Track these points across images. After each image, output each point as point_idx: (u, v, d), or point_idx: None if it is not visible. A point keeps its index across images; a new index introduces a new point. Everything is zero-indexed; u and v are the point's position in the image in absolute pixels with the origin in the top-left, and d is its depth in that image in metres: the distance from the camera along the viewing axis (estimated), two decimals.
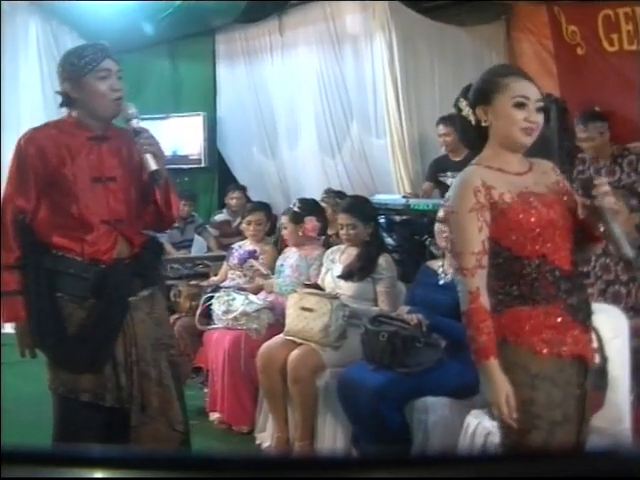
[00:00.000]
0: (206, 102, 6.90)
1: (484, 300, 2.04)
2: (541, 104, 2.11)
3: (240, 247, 4.59)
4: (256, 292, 4.22)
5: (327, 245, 4.37)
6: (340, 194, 5.09)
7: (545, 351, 2.04)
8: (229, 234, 5.72)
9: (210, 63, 6.86)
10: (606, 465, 0.71)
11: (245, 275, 4.42)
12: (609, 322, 2.94)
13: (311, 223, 4.19)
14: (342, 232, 3.85)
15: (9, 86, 6.58)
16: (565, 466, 0.71)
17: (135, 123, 2.48)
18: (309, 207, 4.31)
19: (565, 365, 2.06)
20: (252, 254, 4.45)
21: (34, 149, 2.46)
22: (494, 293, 2.09)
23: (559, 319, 2.07)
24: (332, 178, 5.89)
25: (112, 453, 0.77)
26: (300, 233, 4.17)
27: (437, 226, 3.39)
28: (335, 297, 3.65)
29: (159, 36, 6.24)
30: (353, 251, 3.79)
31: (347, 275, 3.74)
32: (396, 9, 5.32)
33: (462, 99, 2.20)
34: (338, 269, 3.80)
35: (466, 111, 2.18)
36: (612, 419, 2.79)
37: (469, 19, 5.57)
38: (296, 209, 4.21)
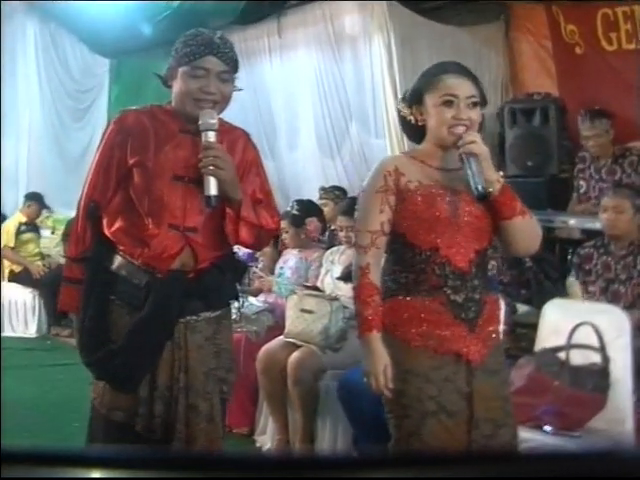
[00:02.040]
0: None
1: (374, 277, 2.14)
2: (474, 100, 2.16)
3: (239, 249, 4.58)
4: (256, 294, 4.21)
5: (332, 239, 4.37)
6: (337, 188, 5.12)
7: (418, 344, 2.11)
8: None
9: None
10: (606, 465, 0.70)
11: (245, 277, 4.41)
12: (611, 322, 2.94)
13: (313, 224, 4.20)
14: (341, 234, 3.84)
15: (7, 87, 6.58)
16: (565, 466, 0.71)
17: (210, 136, 2.15)
18: (308, 208, 4.30)
19: (443, 362, 2.11)
20: (252, 257, 4.44)
21: (120, 134, 2.21)
22: (383, 280, 2.18)
23: (438, 315, 2.11)
24: (331, 179, 5.87)
25: (112, 453, 0.77)
26: (302, 235, 4.17)
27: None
28: (335, 299, 3.64)
29: (157, 38, 6.23)
30: (352, 252, 3.78)
31: (346, 276, 3.73)
32: (394, 10, 5.30)
33: (401, 101, 2.28)
34: (337, 270, 3.79)
35: (405, 112, 2.25)
36: (614, 420, 2.78)
37: (468, 19, 5.56)
38: (295, 212, 4.20)
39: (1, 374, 3.95)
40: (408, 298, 2.14)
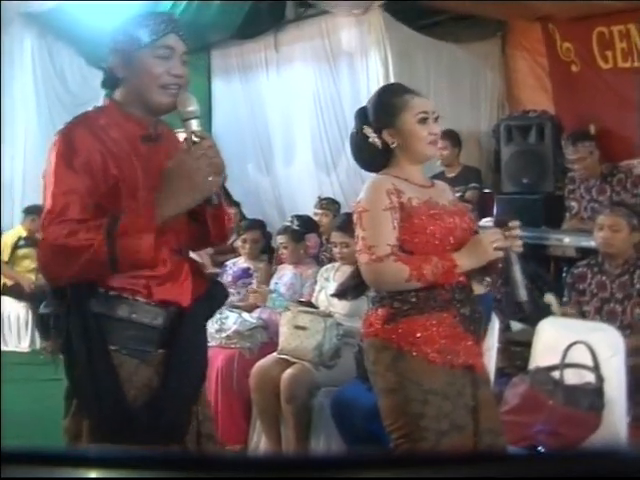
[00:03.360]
0: (201, 118, 6.89)
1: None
2: (437, 115, 2.24)
3: (234, 264, 4.57)
4: (250, 310, 4.19)
5: (327, 250, 4.39)
6: (333, 201, 5.14)
7: (438, 361, 2.10)
8: (223, 251, 5.69)
9: (205, 78, 6.87)
10: (605, 465, 0.70)
11: (239, 293, 4.39)
12: (606, 341, 2.93)
13: (313, 239, 4.19)
14: (336, 250, 3.83)
15: (4, 100, 6.57)
16: (564, 466, 0.71)
17: (195, 125, 1.84)
18: (308, 224, 4.31)
19: (457, 376, 2.12)
20: (246, 272, 4.43)
21: (79, 156, 1.78)
22: (391, 301, 2.15)
23: (452, 329, 2.13)
24: (327, 194, 5.87)
25: (112, 453, 0.77)
26: (302, 251, 4.17)
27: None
28: (329, 315, 3.63)
29: None
30: (347, 269, 3.76)
31: (341, 293, 3.69)
32: (391, 25, 5.33)
33: (366, 126, 2.28)
34: (332, 287, 3.78)
35: (372, 137, 2.26)
36: (609, 440, 2.76)
37: (465, 36, 5.60)
38: (295, 227, 4.20)
39: (0, 386, 3.96)
40: (422, 317, 2.12)
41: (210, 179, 1.76)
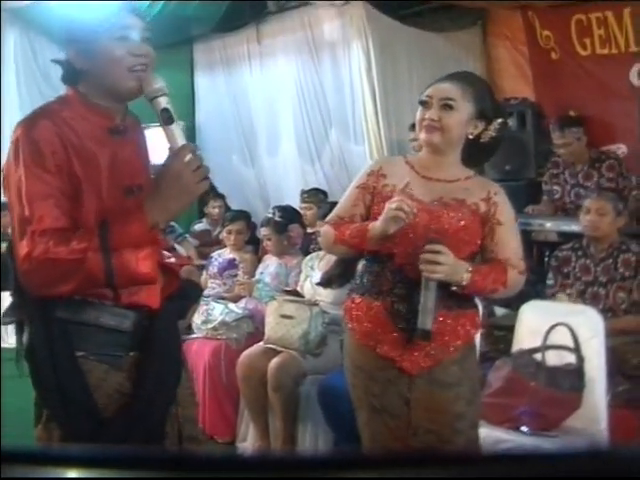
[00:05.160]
0: (184, 111, 6.89)
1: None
2: (448, 102, 2.14)
3: (219, 256, 4.58)
4: (236, 300, 4.21)
5: (310, 242, 4.38)
6: (319, 191, 5.14)
7: (362, 341, 2.18)
8: (209, 243, 5.71)
9: (188, 72, 6.86)
10: (595, 465, 0.71)
11: (225, 284, 4.41)
12: (586, 323, 2.97)
13: (296, 230, 4.20)
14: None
15: None
16: (555, 466, 0.71)
17: (164, 102, 1.72)
18: (290, 215, 4.31)
19: (385, 364, 2.15)
20: (232, 263, 4.44)
21: (49, 147, 1.67)
22: (353, 281, 2.29)
23: (379, 317, 2.15)
24: (311, 185, 5.89)
25: (112, 453, 0.76)
26: (285, 242, 4.18)
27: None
28: (314, 304, 3.65)
29: None
30: (332, 258, 3.79)
31: (326, 282, 3.71)
32: (373, 16, 5.34)
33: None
34: (317, 276, 3.80)
35: None
36: (589, 419, 2.81)
37: (446, 25, 5.62)
38: (278, 218, 4.21)
39: (1, 383, 3.96)
40: (361, 297, 2.21)
41: (198, 183, 1.69)
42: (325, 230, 2.27)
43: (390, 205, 2.04)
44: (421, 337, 2.04)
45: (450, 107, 2.12)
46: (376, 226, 2.09)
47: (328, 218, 2.31)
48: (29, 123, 1.72)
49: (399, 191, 2.13)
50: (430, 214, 2.13)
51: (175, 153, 1.72)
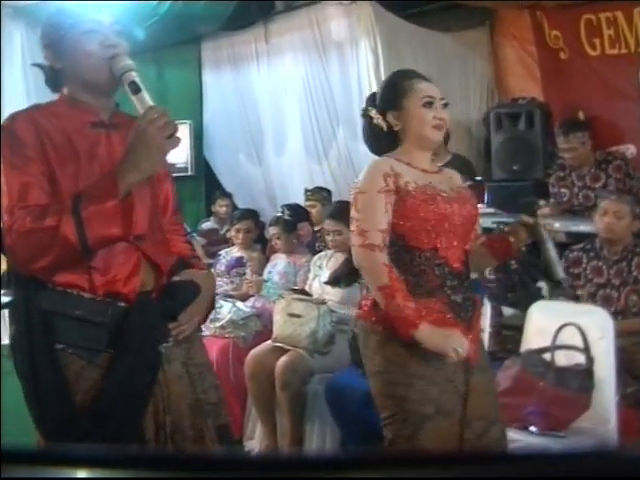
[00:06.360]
0: (192, 110, 6.89)
1: (397, 273, 2.11)
2: (444, 101, 2.26)
3: (227, 254, 4.59)
4: (244, 299, 4.21)
5: (317, 240, 4.38)
6: (323, 190, 5.14)
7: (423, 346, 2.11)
8: (217, 242, 5.71)
9: (196, 70, 6.86)
10: (600, 465, 0.71)
11: (232, 282, 4.41)
12: (595, 323, 2.97)
13: (305, 228, 4.21)
14: (328, 238, 3.86)
15: None
16: (563, 465, 0.71)
17: (134, 75, 1.78)
18: (300, 213, 4.32)
19: (444, 362, 2.11)
20: (239, 261, 4.45)
21: (31, 138, 1.75)
22: None
23: (441, 315, 2.12)
24: (318, 184, 5.89)
25: (112, 453, 0.76)
26: (294, 240, 4.18)
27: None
28: (322, 303, 3.65)
29: (144, 44, 6.23)
30: (340, 257, 3.80)
31: (334, 281, 3.74)
32: (380, 15, 5.34)
33: (370, 108, 2.30)
34: (325, 275, 3.81)
35: (377, 119, 2.28)
36: (599, 420, 2.81)
37: (453, 24, 5.60)
38: (287, 217, 4.21)
39: (1, 379, 3.95)
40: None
41: (166, 139, 1.72)
42: (380, 268, 2.10)
43: (453, 343, 2.07)
44: (559, 285, 2.17)
45: (445, 105, 2.27)
46: (425, 337, 2.07)
47: (370, 237, 2.12)
48: (9, 118, 1.81)
49: (422, 187, 2.18)
50: (458, 202, 2.22)
51: (142, 114, 1.75)
